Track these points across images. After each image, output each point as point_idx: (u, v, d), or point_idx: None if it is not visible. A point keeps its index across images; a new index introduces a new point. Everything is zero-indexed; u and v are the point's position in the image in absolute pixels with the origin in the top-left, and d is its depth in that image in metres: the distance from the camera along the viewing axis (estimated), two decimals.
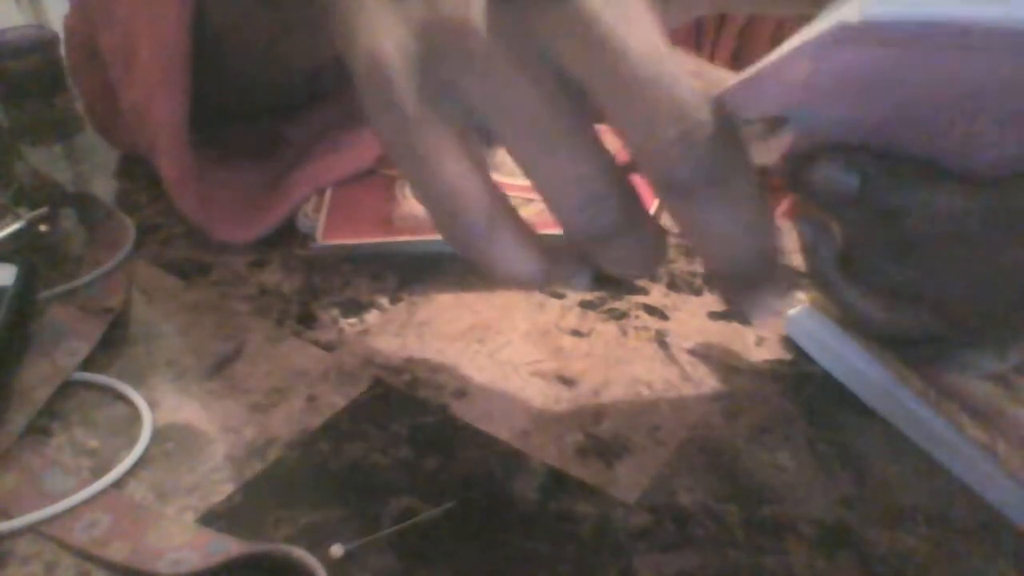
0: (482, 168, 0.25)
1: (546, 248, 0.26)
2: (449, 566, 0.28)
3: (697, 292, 0.42)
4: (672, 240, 0.27)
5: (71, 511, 0.30)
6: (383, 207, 0.45)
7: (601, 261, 0.26)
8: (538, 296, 0.41)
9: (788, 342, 0.38)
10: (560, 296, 0.41)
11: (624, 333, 0.39)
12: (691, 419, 0.34)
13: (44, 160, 0.56)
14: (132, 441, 0.33)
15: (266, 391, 0.36)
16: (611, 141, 0.24)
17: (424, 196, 0.26)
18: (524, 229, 0.26)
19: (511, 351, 0.38)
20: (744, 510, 0.30)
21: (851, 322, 0.33)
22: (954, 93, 0.22)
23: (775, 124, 0.25)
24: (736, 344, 0.38)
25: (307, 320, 0.40)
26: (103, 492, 0.31)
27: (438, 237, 0.26)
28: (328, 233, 0.43)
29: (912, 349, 0.33)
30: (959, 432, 0.31)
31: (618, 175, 0.24)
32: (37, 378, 0.35)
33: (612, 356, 0.37)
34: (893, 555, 0.28)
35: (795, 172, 0.27)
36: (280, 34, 0.44)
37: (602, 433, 0.33)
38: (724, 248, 0.24)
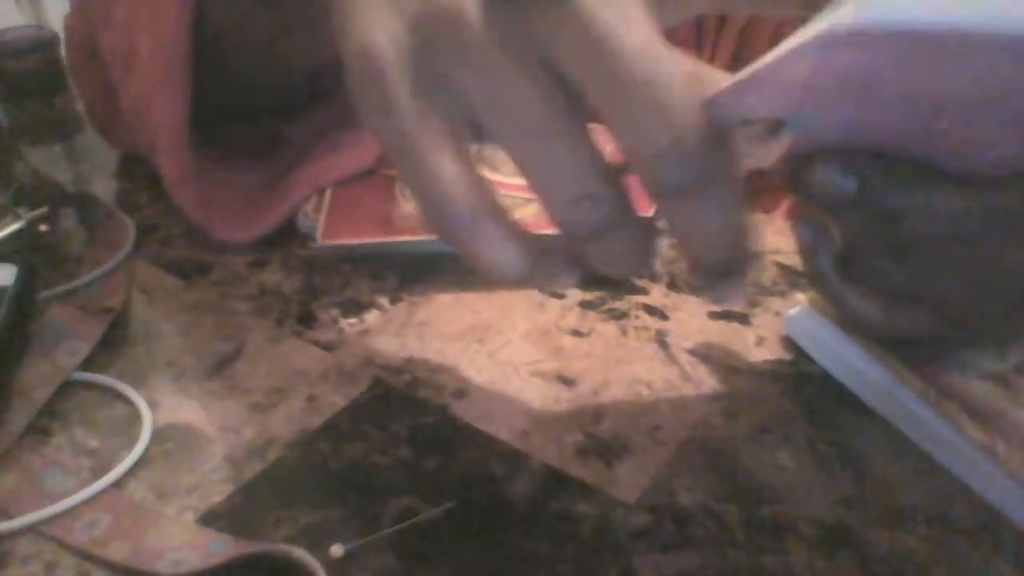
0: (472, 162, 0.25)
1: (534, 246, 0.26)
2: (449, 566, 0.28)
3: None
4: (671, 241, 0.27)
5: (71, 511, 0.30)
6: (383, 207, 0.45)
7: (591, 258, 0.26)
8: (538, 296, 0.41)
9: (788, 342, 0.38)
10: (560, 296, 0.41)
11: (624, 333, 0.39)
12: (691, 419, 0.34)
13: (44, 160, 0.56)
14: (132, 441, 0.33)
15: (266, 391, 0.36)
16: (605, 139, 0.24)
17: (414, 188, 0.26)
18: (511, 225, 0.26)
19: (511, 351, 0.38)
20: (744, 510, 0.30)
21: (850, 323, 0.33)
22: (953, 93, 0.22)
23: (773, 126, 0.25)
24: (736, 344, 0.38)
25: (307, 320, 0.40)
26: (103, 492, 0.31)
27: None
28: (328, 233, 0.43)
29: (912, 349, 0.33)
30: (959, 432, 0.31)
31: (610, 174, 0.25)
32: (37, 378, 0.35)
33: (612, 356, 0.37)
34: (893, 555, 0.28)
35: (794, 174, 0.27)
36: (280, 34, 0.44)
37: (602, 433, 0.33)
38: (707, 247, 0.24)
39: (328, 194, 0.46)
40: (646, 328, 0.39)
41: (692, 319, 0.40)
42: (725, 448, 0.33)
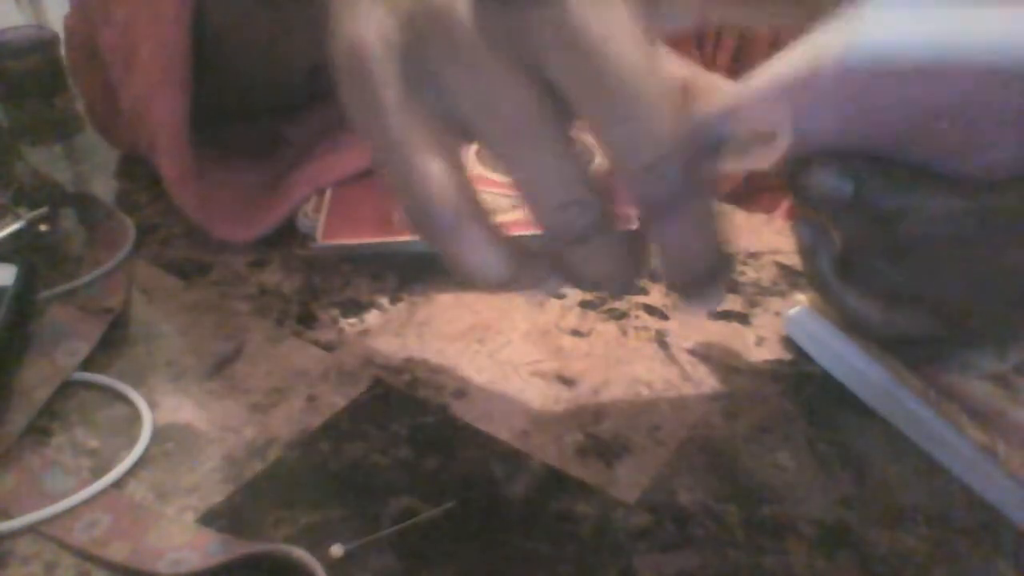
0: (456, 162, 0.26)
1: (516, 250, 0.26)
2: (449, 566, 0.28)
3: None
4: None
5: (71, 511, 0.30)
6: (383, 207, 0.45)
7: (575, 266, 0.26)
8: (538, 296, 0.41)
9: (788, 342, 0.38)
10: (560, 296, 0.41)
11: (624, 333, 0.39)
12: (691, 419, 0.34)
13: (44, 160, 0.56)
14: (132, 441, 0.33)
15: (266, 391, 0.36)
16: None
17: (398, 187, 0.26)
18: (494, 228, 0.26)
19: (511, 351, 0.38)
20: (744, 510, 0.30)
21: (850, 323, 0.33)
22: (951, 97, 0.22)
23: (767, 135, 0.25)
24: (736, 344, 0.38)
25: (307, 320, 0.40)
26: (103, 492, 0.31)
27: None
28: (328, 233, 0.43)
29: (912, 349, 0.33)
30: (959, 432, 0.31)
31: (596, 180, 0.25)
32: (37, 378, 0.35)
33: (612, 356, 0.37)
34: (893, 555, 0.28)
35: (792, 176, 0.27)
36: (280, 34, 0.44)
37: (602, 433, 0.33)
38: (686, 259, 0.25)
39: (328, 194, 0.46)
40: (646, 328, 0.39)
41: (692, 319, 0.40)
42: (725, 448, 0.33)
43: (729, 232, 0.25)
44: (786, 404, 0.35)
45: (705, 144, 0.24)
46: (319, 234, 0.43)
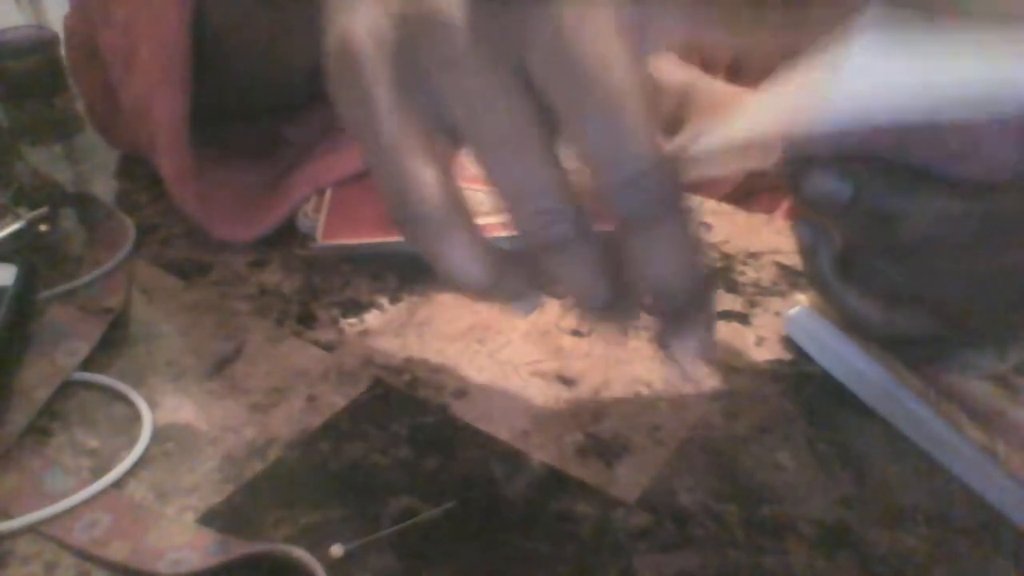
0: (444, 165, 0.26)
1: (499, 258, 0.26)
2: (449, 566, 0.28)
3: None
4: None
5: (71, 511, 0.30)
6: (383, 207, 0.45)
7: (550, 274, 0.26)
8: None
9: (788, 342, 0.38)
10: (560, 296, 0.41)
11: (624, 333, 0.39)
12: (691, 419, 0.34)
13: (44, 160, 0.56)
14: (132, 441, 0.33)
15: (266, 391, 0.36)
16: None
17: (382, 184, 0.26)
18: (477, 233, 0.26)
19: (511, 351, 0.38)
20: (744, 510, 0.30)
21: (850, 323, 0.33)
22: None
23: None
24: (736, 344, 0.38)
25: (307, 320, 0.40)
26: (103, 492, 0.31)
27: None
28: (328, 233, 0.43)
29: (912, 349, 0.33)
30: (959, 432, 0.31)
31: (576, 191, 0.25)
32: (37, 378, 0.35)
33: (612, 356, 0.37)
34: (893, 555, 0.28)
35: (791, 177, 0.27)
36: (280, 34, 0.44)
37: (602, 433, 0.33)
38: (660, 276, 0.25)
39: (328, 194, 0.46)
40: (646, 328, 0.39)
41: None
42: (725, 448, 0.33)
43: (707, 253, 0.25)
44: (786, 404, 0.35)
45: (676, 161, 0.24)
46: (319, 234, 0.43)
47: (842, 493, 0.31)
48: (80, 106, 0.59)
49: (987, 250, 0.26)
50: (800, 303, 0.37)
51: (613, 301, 0.27)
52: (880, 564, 0.28)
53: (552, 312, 0.40)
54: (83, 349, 0.37)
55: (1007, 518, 0.29)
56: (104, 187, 0.53)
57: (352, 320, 0.40)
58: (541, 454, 0.32)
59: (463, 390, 0.36)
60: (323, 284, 0.43)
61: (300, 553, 0.27)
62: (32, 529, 0.29)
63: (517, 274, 0.27)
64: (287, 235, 0.45)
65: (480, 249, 0.26)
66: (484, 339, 0.38)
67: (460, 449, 0.33)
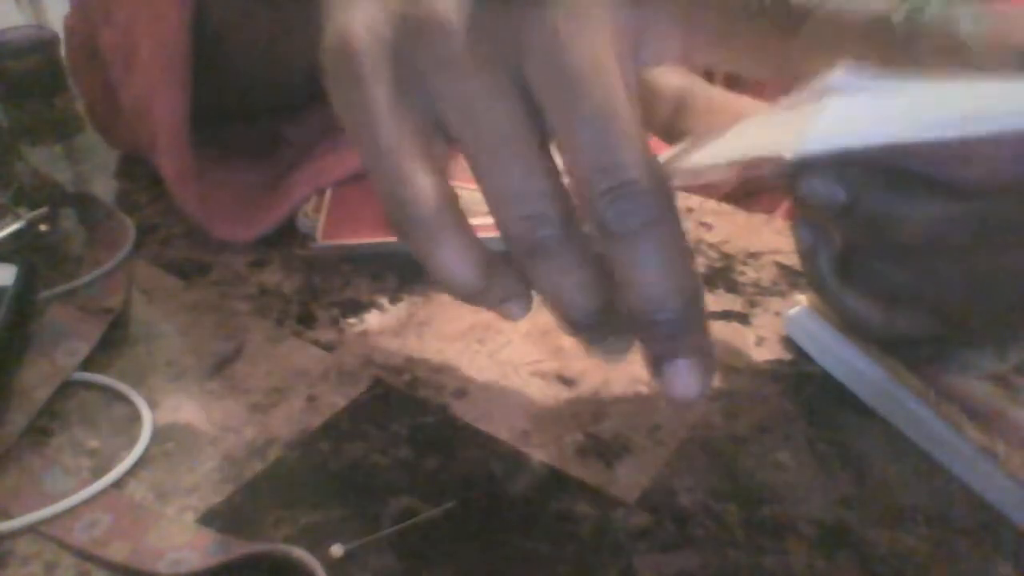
0: (439, 164, 0.26)
1: (489, 262, 0.26)
2: (449, 566, 0.28)
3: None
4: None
5: (71, 511, 0.30)
6: (383, 207, 0.45)
7: (536, 281, 0.27)
8: (538, 296, 0.41)
9: (788, 342, 0.38)
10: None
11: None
12: (691, 419, 0.34)
13: (44, 160, 0.56)
14: (132, 441, 0.33)
15: (266, 391, 0.36)
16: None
17: (377, 184, 0.26)
18: (469, 235, 0.26)
19: (511, 351, 0.38)
20: (744, 510, 0.30)
21: (850, 324, 0.33)
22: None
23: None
24: (736, 344, 0.38)
25: (307, 320, 0.40)
26: (103, 492, 0.31)
27: None
28: (328, 233, 0.43)
29: (911, 350, 0.33)
30: (959, 432, 0.31)
31: (566, 199, 0.25)
32: (37, 378, 0.35)
33: None
34: (893, 555, 0.28)
35: (790, 179, 0.27)
36: (280, 34, 0.44)
37: (602, 433, 0.33)
38: (646, 287, 0.25)
39: (328, 194, 0.46)
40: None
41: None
42: (725, 448, 0.33)
43: (694, 264, 0.25)
44: (786, 404, 0.35)
45: (661, 176, 0.24)
46: (319, 234, 0.43)
47: (842, 493, 0.31)
48: (80, 106, 0.59)
49: (987, 251, 0.26)
50: (800, 303, 0.37)
51: (599, 318, 0.27)
52: (880, 564, 0.28)
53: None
54: (83, 349, 0.37)
55: (1007, 518, 0.29)
56: (104, 187, 0.53)
57: (352, 320, 0.40)
58: (541, 454, 0.32)
59: (463, 390, 0.36)
60: (323, 284, 0.43)
61: (300, 553, 0.27)
62: (32, 529, 0.29)
63: (508, 277, 0.28)
64: (287, 235, 0.45)
65: (471, 251, 0.26)
66: (484, 339, 0.38)
67: (460, 449, 0.33)
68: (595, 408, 0.35)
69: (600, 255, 0.25)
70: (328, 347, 0.38)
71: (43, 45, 0.57)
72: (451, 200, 0.26)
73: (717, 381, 0.36)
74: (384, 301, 0.41)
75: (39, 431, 0.34)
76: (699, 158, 0.25)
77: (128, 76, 0.44)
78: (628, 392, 0.35)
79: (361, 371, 0.37)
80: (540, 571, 0.28)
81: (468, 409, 0.35)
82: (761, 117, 0.26)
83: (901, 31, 0.24)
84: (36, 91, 0.57)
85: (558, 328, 0.29)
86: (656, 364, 0.26)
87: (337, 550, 0.28)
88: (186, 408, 0.35)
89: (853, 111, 0.22)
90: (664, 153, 0.27)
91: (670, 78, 0.60)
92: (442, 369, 0.37)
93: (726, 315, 0.40)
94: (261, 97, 0.51)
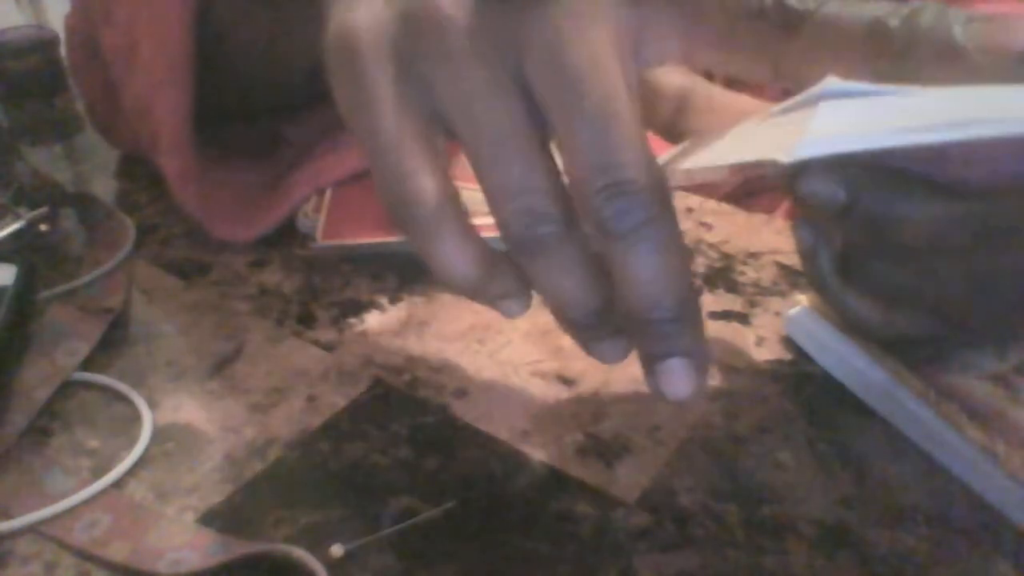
0: (440, 160, 0.26)
1: (489, 258, 0.26)
2: (449, 566, 0.28)
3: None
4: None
5: (71, 511, 0.30)
6: (383, 207, 0.45)
7: (534, 278, 0.27)
8: (539, 296, 0.41)
9: (788, 342, 0.38)
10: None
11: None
12: (691, 419, 0.34)
13: (44, 160, 0.56)
14: (132, 441, 0.33)
15: (266, 391, 0.36)
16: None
17: (379, 179, 0.26)
18: (470, 232, 0.26)
19: (511, 351, 0.38)
20: (744, 510, 0.30)
21: (850, 324, 0.33)
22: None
23: None
24: (736, 344, 0.38)
25: (307, 320, 0.40)
26: (103, 492, 0.31)
27: None
28: (328, 233, 0.43)
29: (911, 350, 0.33)
30: (959, 432, 0.31)
31: (565, 198, 0.25)
32: (37, 378, 0.35)
33: None
34: (893, 555, 0.28)
35: (790, 179, 0.27)
36: (280, 34, 0.44)
37: (602, 433, 0.33)
38: (642, 286, 0.25)
39: (328, 194, 0.46)
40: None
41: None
42: (725, 448, 0.33)
43: (691, 265, 0.25)
44: (786, 404, 0.35)
45: (658, 176, 0.25)
46: (319, 234, 0.43)
47: (842, 493, 0.31)
48: (80, 106, 0.59)
49: (987, 251, 0.26)
50: (800, 303, 0.37)
51: (598, 318, 0.27)
52: (880, 564, 0.28)
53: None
54: (83, 349, 0.37)
55: (1007, 518, 0.29)
56: (104, 187, 0.53)
57: (352, 320, 0.40)
58: (541, 454, 0.32)
59: (463, 390, 0.36)
60: (323, 284, 0.43)
61: (300, 553, 0.27)
62: (32, 529, 0.29)
63: (507, 274, 0.28)
64: (287, 235, 0.45)
65: (471, 248, 0.26)
66: (484, 339, 0.38)
67: (460, 449, 0.33)
68: (595, 408, 0.35)
69: (599, 254, 0.25)
70: (328, 347, 0.38)
71: (43, 45, 0.57)
72: (452, 195, 0.26)
73: (717, 381, 0.36)
74: (384, 301, 0.41)
75: (39, 431, 0.34)
76: (697, 160, 0.26)
77: (129, 76, 0.44)
78: (628, 392, 0.35)
79: (361, 371, 0.37)
80: (540, 571, 0.28)
81: (468, 409, 0.35)
82: (759, 120, 0.26)
83: (898, 36, 0.24)
84: (36, 91, 0.57)
85: (558, 328, 0.29)
86: (649, 363, 0.26)
87: (337, 550, 0.28)
88: (186, 408, 0.35)
89: (848, 116, 0.22)
90: (664, 154, 0.27)
91: (672, 77, 0.60)
92: (442, 369, 0.37)
93: (726, 315, 0.40)
94: (261, 97, 0.51)
